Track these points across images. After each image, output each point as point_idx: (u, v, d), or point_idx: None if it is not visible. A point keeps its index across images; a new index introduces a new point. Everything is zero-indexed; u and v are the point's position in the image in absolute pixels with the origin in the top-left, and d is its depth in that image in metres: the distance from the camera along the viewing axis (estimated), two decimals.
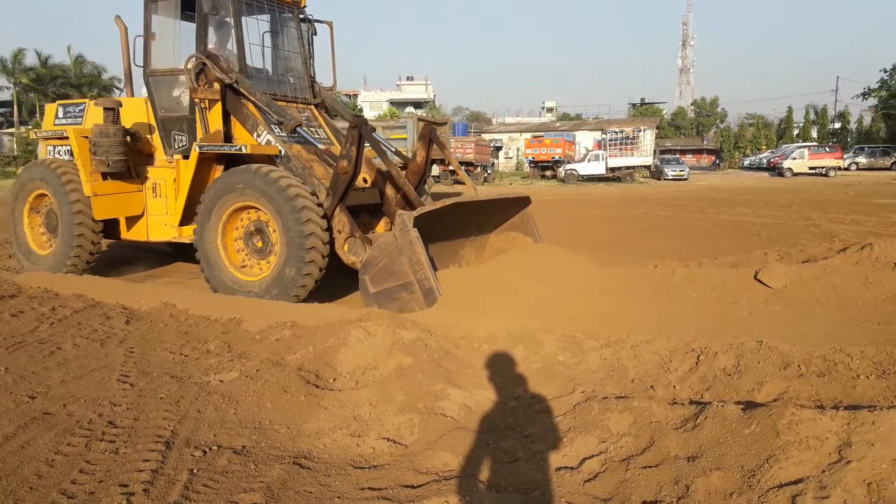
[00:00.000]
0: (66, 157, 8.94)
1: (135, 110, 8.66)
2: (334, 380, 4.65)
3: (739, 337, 4.69)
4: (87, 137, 8.25)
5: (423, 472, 3.54)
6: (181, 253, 9.95)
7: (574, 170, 40.60)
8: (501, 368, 4.88)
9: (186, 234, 8.15)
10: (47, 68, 50.42)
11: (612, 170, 40.44)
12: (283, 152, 7.55)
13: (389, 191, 8.49)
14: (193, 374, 4.86)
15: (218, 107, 7.92)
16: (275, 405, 4.27)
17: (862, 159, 48.78)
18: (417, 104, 67.28)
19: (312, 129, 8.44)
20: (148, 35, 8.37)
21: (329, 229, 7.08)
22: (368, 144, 7.30)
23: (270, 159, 7.61)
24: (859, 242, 7.85)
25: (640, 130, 43.26)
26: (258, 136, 7.75)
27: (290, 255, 6.92)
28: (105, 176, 8.36)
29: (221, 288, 7.38)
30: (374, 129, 7.35)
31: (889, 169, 46.75)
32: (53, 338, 5.73)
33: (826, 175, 42.28)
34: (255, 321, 5.96)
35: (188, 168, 7.83)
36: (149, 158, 8.70)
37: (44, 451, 3.65)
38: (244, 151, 7.46)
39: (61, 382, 4.68)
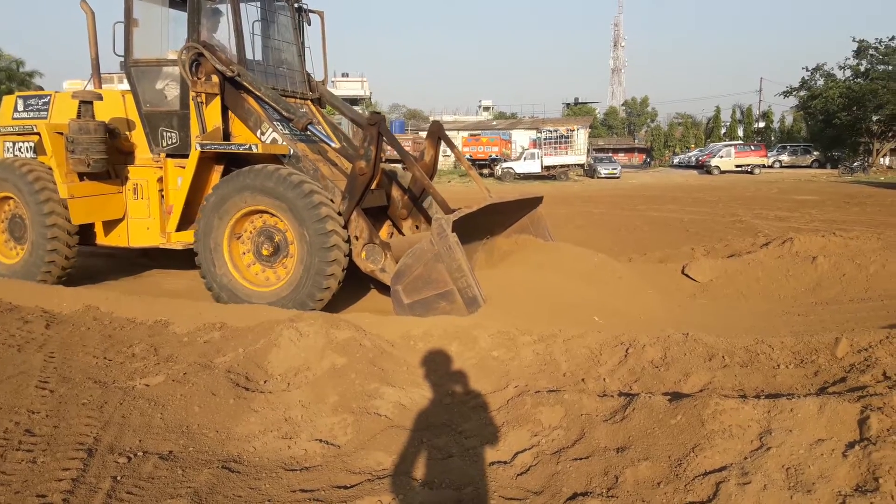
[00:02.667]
0: (29, 155, 8.15)
1: (110, 104, 7.94)
2: (265, 382, 4.56)
3: (667, 329, 4.82)
4: (61, 134, 7.50)
5: (357, 472, 3.51)
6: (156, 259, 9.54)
7: (511, 168, 41.00)
8: (437, 366, 4.87)
9: (177, 240, 7.59)
10: None
11: (548, 168, 41.03)
12: (292, 152, 7.08)
13: (396, 193, 8.04)
14: (118, 379, 4.69)
15: (216, 102, 7.31)
16: (203, 409, 4.16)
17: (784, 157, 50.75)
18: (353, 101, 66.38)
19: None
20: (129, 22, 7.59)
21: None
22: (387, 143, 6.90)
23: (276, 159, 7.13)
24: (781, 237, 8.19)
25: (574, 130, 44.04)
26: (262, 133, 7.24)
27: (310, 264, 6.54)
28: (82, 176, 7.66)
29: (228, 298, 6.87)
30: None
31: (809, 167, 48.80)
32: None
33: (751, 172, 43.79)
34: (182, 323, 5.80)
35: (188, 169, 7.22)
36: (128, 157, 8.01)
37: None
38: (255, 151, 6.93)
39: None
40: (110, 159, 7.66)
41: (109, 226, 8.10)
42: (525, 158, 42.05)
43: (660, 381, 4.25)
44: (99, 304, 6.42)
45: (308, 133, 7.26)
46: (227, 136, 7.44)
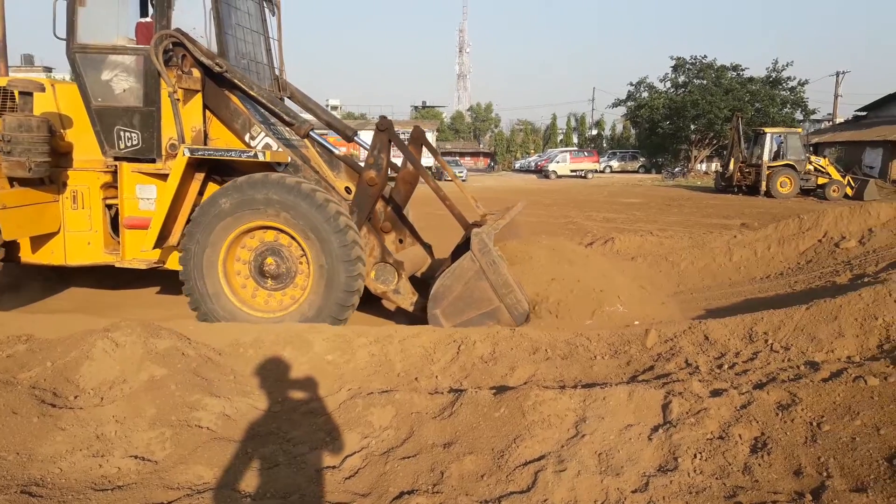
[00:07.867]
0: None
1: (37, 95, 6.57)
2: (75, 397, 4.20)
3: (495, 326, 4.98)
4: None
5: (175, 487, 3.32)
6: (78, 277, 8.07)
7: None
8: (267, 373, 4.73)
9: (134, 257, 6.55)
10: None
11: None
12: (291, 160, 6.32)
13: (378, 204, 7.19)
14: None
15: (196, 100, 6.39)
16: (1, 430, 3.76)
17: (615, 163, 54.32)
18: None
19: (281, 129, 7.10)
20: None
21: None
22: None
23: (271, 167, 6.30)
24: (604, 237, 8.73)
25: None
26: (252, 138, 6.30)
27: (331, 285, 5.89)
28: (12, 182, 6.36)
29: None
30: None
31: (637, 172, 52.56)
32: None
33: (585, 177, 46.41)
34: None
35: (172, 178, 6.15)
36: (62, 159, 6.67)
37: None
38: (261, 159, 6.05)
39: None
40: (52, 162, 6.44)
41: (40, 240, 6.79)
42: None
43: (488, 376, 4.38)
44: None
45: (305, 140, 6.58)
46: (203, 139, 6.57)
